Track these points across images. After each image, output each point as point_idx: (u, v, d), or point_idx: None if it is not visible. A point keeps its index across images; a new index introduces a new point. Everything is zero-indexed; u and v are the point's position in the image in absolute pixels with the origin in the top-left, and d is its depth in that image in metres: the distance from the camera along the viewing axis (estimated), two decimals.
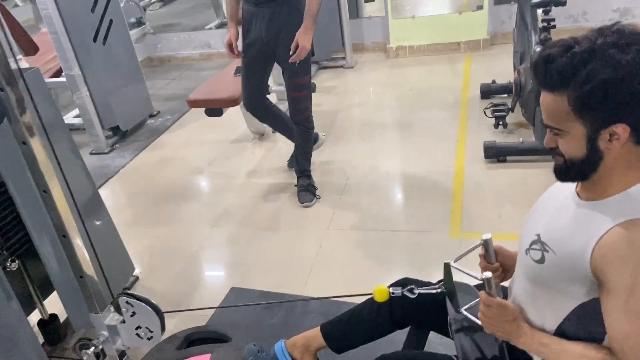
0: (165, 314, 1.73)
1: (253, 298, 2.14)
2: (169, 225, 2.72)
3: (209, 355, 1.74)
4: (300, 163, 2.75)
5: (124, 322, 1.66)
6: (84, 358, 1.71)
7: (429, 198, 2.62)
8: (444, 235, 2.33)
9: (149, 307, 1.66)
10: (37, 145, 1.38)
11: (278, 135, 3.12)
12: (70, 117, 4.08)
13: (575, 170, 0.99)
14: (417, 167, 2.92)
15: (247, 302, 2.13)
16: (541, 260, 1.05)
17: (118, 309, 1.66)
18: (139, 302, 1.66)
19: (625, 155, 0.96)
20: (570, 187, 1.08)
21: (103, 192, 3.15)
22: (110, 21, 3.60)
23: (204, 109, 3.02)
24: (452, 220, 2.42)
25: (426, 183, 2.75)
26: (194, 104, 3.01)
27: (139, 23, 4.88)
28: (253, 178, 3.06)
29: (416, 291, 1.34)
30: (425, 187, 2.72)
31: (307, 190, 2.71)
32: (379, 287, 1.39)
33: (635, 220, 0.92)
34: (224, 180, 3.10)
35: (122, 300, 1.66)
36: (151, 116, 4.13)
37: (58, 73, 3.91)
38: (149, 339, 1.71)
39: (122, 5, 3.89)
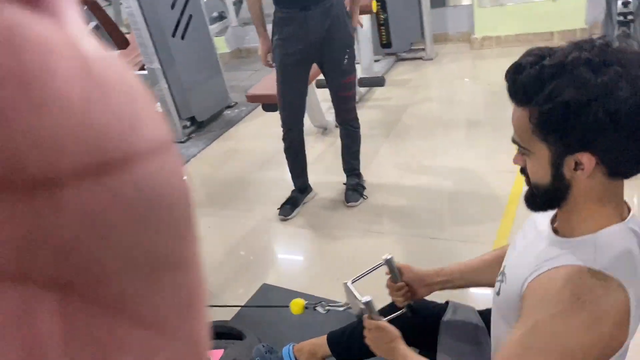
0: None
1: (282, 296, 2.17)
2: (221, 216, 2.84)
3: (222, 350, 1.80)
4: (349, 162, 2.72)
5: None
6: None
7: (480, 204, 2.46)
8: (487, 248, 2.17)
9: None
10: None
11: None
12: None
13: (541, 198, 0.90)
14: (476, 169, 2.75)
15: (274, 300, 2.16)
16: (498, 292, 1.00)
17: None
18: None
19: (595, 188, 0.85)
20: (547, 219, 0.97)
21: None
22: (190, 16, 3.79)
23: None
24: (500, 232, 2.25)
25: (481, 188, 2.58)
26: (253, 99, 3.09)
27: (221, 17, 5.08)
28: (309, 173, 3.07)
29: (327, 307, 1.37)
30: (479, 192, 2.56)
31: (354, 190, 2.68)
32: (296, 300, 1.44)
33: (584, 269, 0.82)
34: (280, 173, 3.15)
35: None
36: (228, 107, 4.31)
37: (143, 67, 4.21)
38: None
39: (204, 1, 4.08)
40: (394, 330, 1.13)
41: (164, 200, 0.16)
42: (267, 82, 3.23)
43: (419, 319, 1.36)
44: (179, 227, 0.17)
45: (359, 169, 2.74)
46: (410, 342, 1.42)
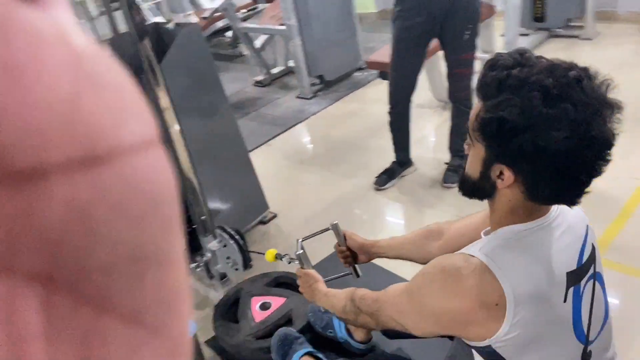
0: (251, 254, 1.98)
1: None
2: (322, 175, 2.94)
3: (284, 299, 1.93)
4: (455, 142, 2.62)
5: (225, 246, 1.96)
6: (195, 267, 2.09)
7: (595, 202, 2.22)
8: None
9: (234, 244, 1.93)
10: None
11: None
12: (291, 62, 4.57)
13: (468, 187, 0.98)
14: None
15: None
16: None
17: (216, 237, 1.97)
18: (228, 237, 1.93)
19: (513, 200, 0.91)
20: None
21: (287, 134, 3.54)
22: None
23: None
24: (608, 230, 2.04)
25: (595, 196, 2.32)
26: (372, 65, 3.08)
27: None
28: (416, 147, 3.02)
29: (289, 260, 1.47)
30: (590, 200, 2.30)
31: (455, 172, 2.58)
32: (270, 250, 1.57)
33: (466, 254, 0.92)
34: (389, 142, 3.14)
35: (218, 231, 1.95)
36: (359, 70, 4.33)
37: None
38: (235, 269, 1.99)
39: None
40: (315, 275, 1.33)
41: (151, 196, 0.16)
42: (388, 49, 3.19)
43: None
44: (164, 224, 0.16)
45: (463, 151, 2.62)
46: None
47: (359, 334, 1.75)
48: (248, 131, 3.66)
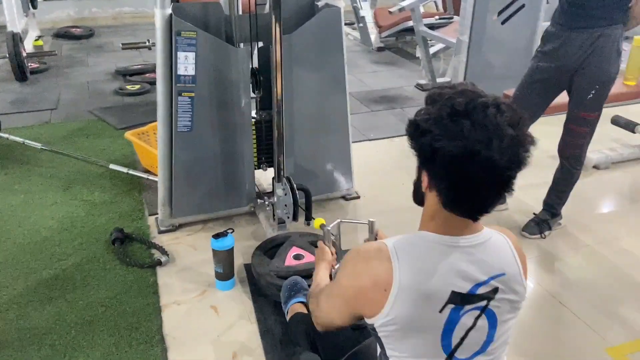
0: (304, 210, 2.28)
1: None
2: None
3: (313, 257, 2.19)
4: (550, 197, 2.55)
5: (286, 194, 2.29)
6: (264, 205, 2.46)
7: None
8: (598, 350, 1.89)
9: (290, 195, 2.24)
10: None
11: None
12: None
13: (413, 191, 1.14)
14: None
15: None
16: None
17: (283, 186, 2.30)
18: (288, 187, 2.25)
19: (434, 205, 1.04)
20: None
21: None
22: (522, 5, 3.81)
23: None
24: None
25: None
26: (506, 98, 3.07)
27: None
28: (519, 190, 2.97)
29: (325, 229, 1.65)
30: None
31: (537, 224, 2.53)
32: (319, 219, 1.83)
33: (382, 243, 1.06)
34: None
35: (284, 181, 2.28)
36: None
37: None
38: (288, 217, 2.31)
39: None
40: (326, 253, 1.54)
41: None
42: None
43: None
44: None
45: (557, 210, 2.55)
46: None
47: None
48: (383, 123, 3.94)
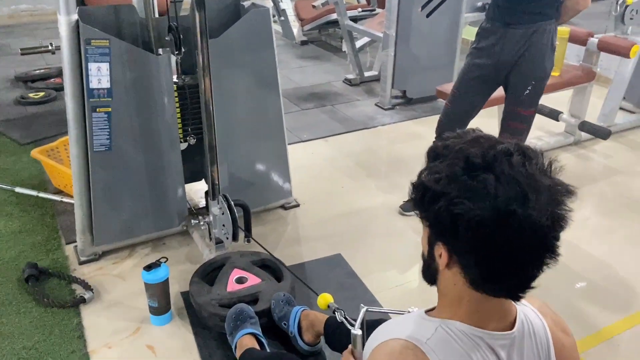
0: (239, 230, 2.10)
1: (343, 270, 2.27)
2: (354, 186, 2.99)
3: (260, 280, 2.03)
4: None
5: (223, 214, 2.10)
6: (198, 225, 2.26)
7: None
8: None
9: (228, 214, 2.06)
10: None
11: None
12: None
13: (423, 268, 0.91)
14: None
15: (332, 273, 2.28)
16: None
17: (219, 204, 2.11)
18: (225, 206, 2.07)
19: (458, 285, 0.83)
20: None
21: (348, 136, 3.60)
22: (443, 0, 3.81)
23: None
24: None
25: None
26: (440, 95, 3.05)
27: (483, 8, 4.88)
28: None
29: (341, 319, 1.42)
30: None
31: None
32: (324, 294, 1.51)
33: (411, 345, 0.83)
34: None
35: (221, 199, 2.09)
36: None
37: None
38: (227, 238, 2.13)
39: None
40: None
41: None
42: None
43: None
44: None
45: None
46: None
47: (308, 336, 1.81)
48: (314, 121, 3.81)
